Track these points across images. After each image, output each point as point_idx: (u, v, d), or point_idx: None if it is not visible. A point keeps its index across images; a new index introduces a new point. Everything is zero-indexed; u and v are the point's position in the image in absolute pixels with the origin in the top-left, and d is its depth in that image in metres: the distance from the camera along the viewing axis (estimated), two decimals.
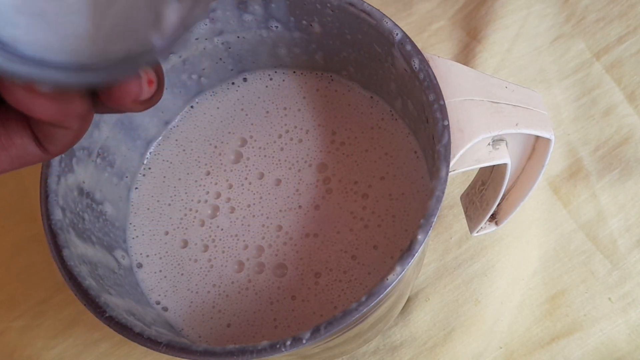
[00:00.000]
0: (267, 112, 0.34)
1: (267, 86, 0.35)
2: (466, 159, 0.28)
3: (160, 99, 0.21)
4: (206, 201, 0.33)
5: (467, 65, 0.30)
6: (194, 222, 0.32)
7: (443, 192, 0.25)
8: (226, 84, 0.35)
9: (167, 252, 0.32)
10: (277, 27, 0.32)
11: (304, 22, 0.31)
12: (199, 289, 0.31)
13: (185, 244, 0.32)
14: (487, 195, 0.33)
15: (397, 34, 0.28)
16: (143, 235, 0.32)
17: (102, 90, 0.19)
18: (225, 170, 0.33)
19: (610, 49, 0.46)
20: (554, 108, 0.45)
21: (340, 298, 0.30)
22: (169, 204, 0.33)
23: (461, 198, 0.37)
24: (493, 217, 0.36)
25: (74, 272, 0.26)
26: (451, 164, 0.26)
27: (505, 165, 0.29)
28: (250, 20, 0.31)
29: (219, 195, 0.33)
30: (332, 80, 0.34)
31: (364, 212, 0.31)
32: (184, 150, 0.34)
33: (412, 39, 0.28)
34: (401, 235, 0.31)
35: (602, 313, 0.40)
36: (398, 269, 0.24)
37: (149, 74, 0.20)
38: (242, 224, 0.32)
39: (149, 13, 0.19)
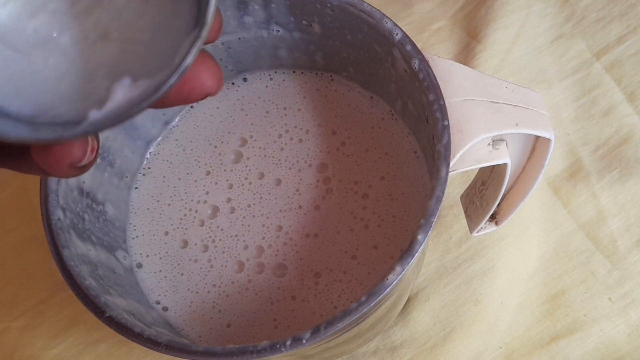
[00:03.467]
0: (267, 112, 0.34)
1: (267, 86, 0.35)
2: (466, 159, 0.28)
3: (91, 166, 0.20)
4: (206, 201, 0.33)
5: (467, 65, 0.30)
6: (193, 222, 0.32)
7: (443, 192, 0.25)
8: (226, 84, 0.35)
9: (167, 252, 0.32)
10: (277, 30, 0.32)
11: (304, 22, 0.31)
12: (199, 289, 0.31)
13: (185, 244, 0.32)
14: (487, 195, 0.33)
15: (397, 34, 0.28)
16: (143, 235, 0.32)
17: (38, 150, 0.18)
18: (225, 170, 0.33)
19: (610, 49, 0.46)
20: (554, 108, 0.45)
21: (340, 298, 0.30)
22: (169, 204, 0.33)
23: (461, 198, 0.37)
24: (493, 217, 0.36)
25: (74, 272, 0.26)
26: (451, 164, 0.26)
27: (505, 165, 0.29)
28: (250, 22, 0.31)
29: (219, 195, 0.33)
30: (332, 80, 0.34)
31: (364, 212, 0.31)
32: (184, 150, 0.34)
33: (412, 39, 0.28)
34: (401, 235, 0.31)
35: (602, 313, 0.40)
36: (398, 269, 0.24)
37: (93, 141, 0.19)
38: (242, 224, 0.32)
39: (100, 83, 0.19)
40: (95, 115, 0.18)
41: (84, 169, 0.19)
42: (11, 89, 0.19)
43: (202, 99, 0.20)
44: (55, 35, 0.19)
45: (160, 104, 0.19)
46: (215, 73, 0.19)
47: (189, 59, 0.18)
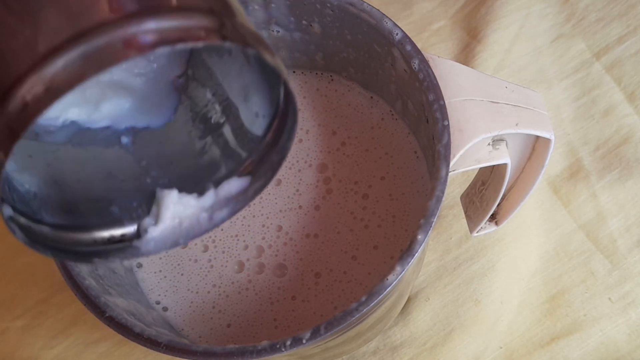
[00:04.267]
0: None
1: None
2: (466, 159, 0.28)
3: None
4: None
5: (467, 65, 0.30)
6: None
7: (443, 192, 0.25)
8: None
9: (167, 252, 0.32)
10: (278, 31, 0.32)
11: (304, 22, 0.31)
12: (199, 289, 0.31)
13: None
14: (487, 195, 0.33)
15: (397, 34, 0.28)
16: None
17: None
18: None
19: (610, 49, 0.46)
20: (554, 108, 0.45)
21: (340, 298, 0.30)
22: None
23: (461, 198, 0.37)
24: (493, 217, 0.36)
25: (74, 272, 0.26)
26: (451, 164, 0.26)
27: (505, 165, 0.29)
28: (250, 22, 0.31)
29: None
30: (332, 80, 0.34)
31: (364, 212, 0.31)
32: None
33: (412, 39, 0.28)
34: (401, 235, 0.31)
35: (602, 313, 0.40)
36: (398, 269, 0.24)
37: None
38: (242, 224, 0.32)
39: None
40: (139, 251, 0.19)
41: None
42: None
43: None
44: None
45: None
46: None
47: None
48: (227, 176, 0.20)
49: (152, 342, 0.25)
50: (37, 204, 0.18)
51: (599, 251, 0.42)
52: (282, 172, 0.33)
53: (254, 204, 0.32)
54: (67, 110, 0.17)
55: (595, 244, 0.42)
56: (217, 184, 0.19)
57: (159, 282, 0.31)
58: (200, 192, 0.19)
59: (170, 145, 0.19)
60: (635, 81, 0.45)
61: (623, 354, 0.39)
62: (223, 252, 0.32)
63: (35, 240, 0.18)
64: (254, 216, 0.32)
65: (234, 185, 0.19)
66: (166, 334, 0.26)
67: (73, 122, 0.18)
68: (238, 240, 0.32)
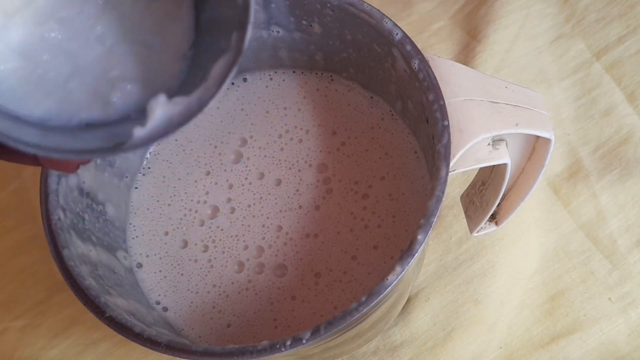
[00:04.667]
0: (267, 112, 0.34)
1: (267, 86, 0.35)
2: (466, 159, 0.28)
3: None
4: (206, 201, 0.33)
5: (467, 65, 0.30)
6: (193, 222, 0.32)
7: (443, 192, 0.25)
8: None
9: (167, 252, 0.32)
10: (278, 32, 0.32)
11: (304, 22, 0.31)
12: (199, 289, 0.31)
13: (185, 244, 0.32)
14: (487, 195, 0.33)
15: (397, 34, 0.28)
16: (143, 235, 0.32)
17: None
18: (225, 170, 0.33)
19: (610, 49, 0.46)
20: (554, 108, 0.45)
21: (340, 298, 0.30)
22: (169, 204, 0.33)
23: (461, 198, 0.37)
24: (493, 217, 0.36)
25: (74, 272, 0.26)
26: (451, 164, 0.26)
27: (505, 165, 0.29)
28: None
29: (219, 195, 0.33)
30: (332, 80, 0.34)
31: (364, 212, 0.31)
32: (183, 150, 0.34)
33: (412, 39, 0.28)
34: (401, 235, 0.31)
35: (602, 313, 0.40)
36: (398, 269, 0.24)
37: None
38: (242, 225, 0.32)
39: (109, 85, 0.20)
40: (139, 132, 0.19)
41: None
42: (20, 93, 0.19)
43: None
44: (62, 41, 0.20)
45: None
46: None
47: (227, 82, 0.19)
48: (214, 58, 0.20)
49: (152, 342, 0.25)
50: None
51: (599, 251, 0.42)
52: (282, 172, 0.33)
53: (254, 204, 0.32)
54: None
55: (595, 244, 0.42)
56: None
57: (159, 282, 0.31)
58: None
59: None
60: (635, 81, 0.45)
61: (623, 354, 0.40)
62: (223, 252, 0.32)
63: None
64: (254, 216, 0.32)
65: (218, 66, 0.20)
66: (166, 334, 0.26)
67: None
68: (238, 240, 0.32)
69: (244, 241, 0.32)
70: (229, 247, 0.32)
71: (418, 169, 0.32)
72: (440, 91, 0.27)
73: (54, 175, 0.28)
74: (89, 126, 0.20)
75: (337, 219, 0.32)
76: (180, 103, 0.19)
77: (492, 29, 0.47)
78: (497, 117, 0.28)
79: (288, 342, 0.24)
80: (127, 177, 0.33)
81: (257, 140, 0.33)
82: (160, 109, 0.19)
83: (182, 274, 0.31)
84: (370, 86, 0.33)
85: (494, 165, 0.30)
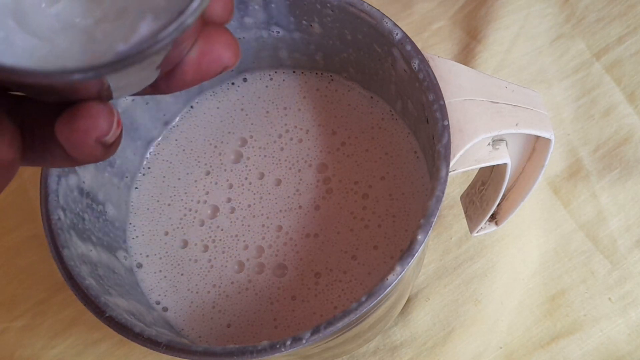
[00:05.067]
0: (267, 112, 0.34)
1: (267, 86, 0.35)
2: (466, 159, 0.28)
3: (114, 152, 0.19)
4: (206, 201, 0.33)
5: (467, 65, 0.30)
6: (193, 222, 0.32)
7: (443, 192, 0.25)
8: (226, 84, 0.35)
9: (167, 252, 0.32)
10: (278, 32, 0.32)
11: (304, 22, 0.31)
12: (199, 289, 0.31)
13: (185, 244, 0.32)
14: (487, 195, 0.33)
15: (397, 34, 0.28)
16: (143, 235, 0.32)
17: (63, 125, 0.18)
18: (225, 170, 0.33)
19: (610, 49, 0.46)
20: (554, 108, 0.45)
21: (340, 298, 0.30)
22: (169, 204, 0.33)
23: (461, 198, 0.37)
24: (493, 217, 0.36)
25: (74, 272, 0.26)
26: (451, 164, 0.26)
27: (505, 165, 0.29)
28: (250, 22, 0.31)
29: (219, 195, 0.33)
30: (332, 80, 0.34)
31: (364, 212, 0.31)
32: (183, 150, 0.34)
33: (412, 39, 0.28)
34: (401, 235, 0.31)
35: (602, 313, 0.40)
36: (398, 269, 0.24)
37: (117, 114, 0.19)
38: (242, 224, 0.32)
39: (122, 24, 0.19)
40: (122, 48, 0.17)
41: (110, 148, 0.18)
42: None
43: (221, 72, 0.20)
44: (77, 20, 0.19)
45: (181, 81, 0.19)
46: (232, 45, 0.20)
47: None
48: None
49: (152, 342, 0.25)
50: None
51: (599, 251, 0.42)
52: (282, 172, 0.33)
53: (254, 204, 0.32)
54: None
55: (595, 244, 0.42)
56: None
57: (159, 282, 0.31)
58: None
59: None
60: (635, 81, 0.45)
61: (623, 354, 0.40)
62: (223, 252, 0.32)
63: None
64: (254, 216, 0.32)
65: None
66: (166, 334, 0.26)
67: None
68: (238, 240, 0.32)
69: (244, 241, 0.32)
70: (229, 247, 0.32)
71: (418, 169, 0.32)
72: (440, 91, 0.27)
73: (54, 175, 0.28)
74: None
75: (337, 219, 0.32)
76: (164, 18, 0.18)
77: (492, 29, 0.47)
78: (497, 117, 0.28)
79: (288, 342, 0.24)
80: (127, 177, 0.33)
81: (257, 140, 0.33)
82: (146, 26, 0.18)
83: (182, 274, 0.31)
84: (370, 86, 0.33)
85: (494, 165, 0.30)
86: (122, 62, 0.17)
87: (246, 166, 0.33)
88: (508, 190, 0.34)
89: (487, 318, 0.40)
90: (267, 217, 0.32)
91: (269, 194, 0.32)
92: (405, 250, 0.25)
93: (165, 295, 0.31)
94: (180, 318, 0.31)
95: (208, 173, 0.33)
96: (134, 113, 0.32)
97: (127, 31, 0.19)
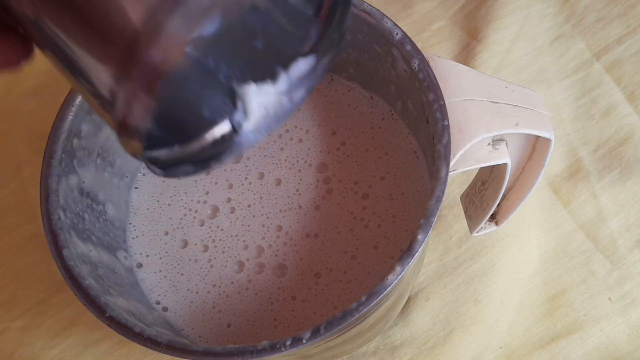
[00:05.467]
0: None
1: None
2: (466, 159, 0.28)
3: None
4: (206, 201, 0.33)
5: (467, 65, 0.30)
6: (193, 222, 0.32)
7: (443, 192, 0.25)
8: None
9: (167, 252, 0.32)
10: None
11: None
12: (199, 289, 0.31)
13: (185, 244, 0.32)
14: (487, 195, 0.33)
15: (397, 34, 0.28)
16: (143, 235, 0.32)
17: None
18: (225, 170, 0.33)
19: (610, 49, 0.46)
20: (554, 108, 0.45)
21: (340, 298, 0.30)
22: (169, 204, 0.33)
23: (461, 198, 0.37)
24: (493, 217, 0.36)
25: (74, 272, 0.26)
26: (451, 164, 0.26)
27: (505, 165, 0.29)
28: None
29: (219, 195, 0.33)
30: (332, 80, 0.34)
31: (364, 212, 0.31)
32: None
33: (412, 39, 0.28)
34: (401, 235, 0.31)
35: (602, 313, 0.40)
36: (398, 269, 0.24)
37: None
38: (242, 224, 0.32)
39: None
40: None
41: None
42: None
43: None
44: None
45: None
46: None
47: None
48: (292, 58, 0.20)
49: (152, 342, 0.25)
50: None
51: (599, 251, 0.42)
52: (282, 172, 0.33)
53: (254, 204, 0.32)
54: None
55: (595, 244, 0.42)
56: (285, 66, 0.20)
57: (159, 282, 0.31)
58: (273, 78, 0.20)
59: (226, 39, 0.20)
60: (635, 81, 0.45)
61: (623, 354, 0.40)
62: (223, 252, 0.32)
63: (167, 168, 0.19)
64: (254, 216, 0.32)
65: (302, 65, 0.20)
66: (166, 334, 0.26)
67: None
68: (238, 240, 0.32)
69: (244, 241, 0.32)
70: (229, 247, 0.32)
71: (418, 169, 0.32)
72: (440, 91, 0.27)
73: (54, 175, 0.28)
74: None
75: (337, 219, 0.32)
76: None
77: (492, 29, 0.47)
78: (497, 117, 0.28)
79: (288, 342, 0.24)
80: (127, 177, 0.33)
81: None
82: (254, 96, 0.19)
83: (182, 274, 0.31)
84: (370, 86, 0.33)
85: (494, 165, 0.30)
86: None
87: (246, 166, 0.33)
88: (508, 190, 0.34)
89: (487, 318, 0.40)
90: (267, 217, 0.32)
91: (269, 193, 0.32)
92: (405, 250, 0.25)
93: (165, 295, 0.31)
94: (180, 318, 0.31)
95: (208, 173, 0.33)
96: None
97: None
